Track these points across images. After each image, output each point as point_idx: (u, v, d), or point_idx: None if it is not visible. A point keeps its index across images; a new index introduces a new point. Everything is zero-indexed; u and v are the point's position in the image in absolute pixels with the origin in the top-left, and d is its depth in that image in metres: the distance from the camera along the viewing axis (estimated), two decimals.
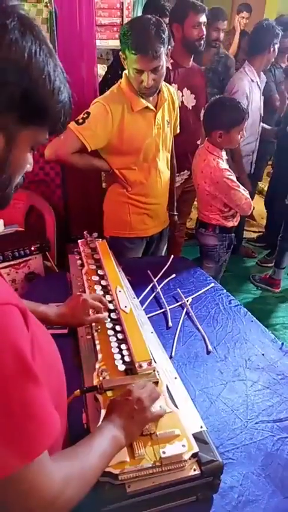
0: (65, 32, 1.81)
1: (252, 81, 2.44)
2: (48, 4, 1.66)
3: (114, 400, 0.75)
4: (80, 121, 1.45)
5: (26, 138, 0.54)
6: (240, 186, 1.75)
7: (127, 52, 1.38)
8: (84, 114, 1.46)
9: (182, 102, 2.06)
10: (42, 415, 0.51)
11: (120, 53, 1.45)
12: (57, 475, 0.53)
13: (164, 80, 1.80)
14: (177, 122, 1.73)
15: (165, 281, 1.50)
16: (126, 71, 1.52)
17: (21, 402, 0.48)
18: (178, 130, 1.77)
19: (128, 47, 1.36)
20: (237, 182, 1.74)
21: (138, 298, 1.32)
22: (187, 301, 1.39)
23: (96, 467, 0.62)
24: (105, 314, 1.02)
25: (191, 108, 2.11)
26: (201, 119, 2.17)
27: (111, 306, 1.07)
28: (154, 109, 1.54)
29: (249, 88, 2.42)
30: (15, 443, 0.48)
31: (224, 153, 1.78)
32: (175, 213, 1.91)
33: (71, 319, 0.97)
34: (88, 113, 1.46)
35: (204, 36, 1.99)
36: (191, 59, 2.12)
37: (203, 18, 1.97)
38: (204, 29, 1.98)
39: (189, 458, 0.72)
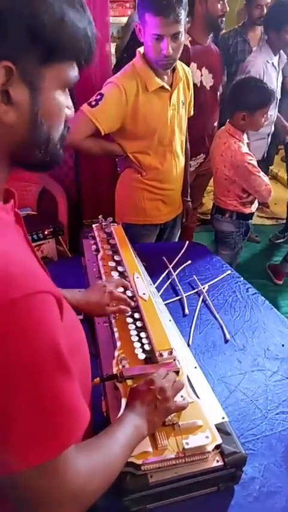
0: None
1: (268, 61, 2.34)
2: None
3: (136, 389, 0.73)
4: (93, 103, 1.40)
5: (52, 79, 0.49)
6: (261, 171, 1.69)
7: (146, 16, 1.30)
8: (97, 96, 1.41)
9: (201, 81, 1.98)
10: (72, 409, 0.50)
11: (136, 23, 1.37)
12: (83, 467, 0.52)
13: (183, 58, 1.73)
14: (191, 103, 1.67)
15: (181, 268, 1.47)
16: (140, 48, 1.45)
17: (54, 394, 0.47)
18: (192, 112, 1.70)
19: (148, 9, 1.29)
20: (258, 168, 1.68)
21: (154, 285, 1.30)
22: (203, 288, 1.36)
23: (119, 458, 0.61)
24: (128, 309, 0.97)
25: (209, 88, 2.03)
26: (218, 99, 2.12)
27: (129, 293, 1.04)
28: (169, 89, 1.48)
29: (263, 68, 2.32)
30: (45, 435, 0.47)
31: (245, 137, 1.72)
32: (189, 199, 1.86)
33: (95, 309, 0.93)
34: (101, 94, 1.40)
35: (226, 12, 1.90)
36: (210, 37, 2.03)
37: None
38: (227, 5, 1.90)
39: (213, 450, 0.71)
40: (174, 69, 1.50)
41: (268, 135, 2.57)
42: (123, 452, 0.62)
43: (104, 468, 0.57)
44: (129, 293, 1.04)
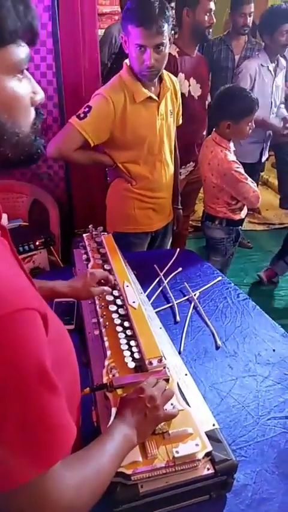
0: (66, 21, 1.76)
1: (262, 65, 2.41)
2: None
3: (126, 398, 0.73)
4: (82, 115, 1.41)
5: None
6: (248, 178, 1.71)
7: (129, 27, 1.33)
8: (85, 108, 1.42)
9: (189, 91, 2.01)
10: (59, 425, 0.50)
11: (122, 35, 1.40)
12: (72, 481, 0.52)
13: (171, 69, 1.76)
14: (179, 112, 1.69)
15: (172, 275, 1.48)
16: (127, 60, 1.48)
17: (39, 412, 0.47)
18: (181, 121, 1.73)
19: (131, 20, 1.32)
20: (245, 174, 1.71)
21: (145, 293, 1.30)
22: (195, 295, 1.37)
23: (109, 468, 0.61)
24: (110, 289, 1.03)
25: (197, 98, 2.06)
26: (207, 108, 2.15)
27: (119, 302, 1.05)
28: (157, 99, 1.50)
29: (257, 71, 2.39)
30: (32, 452, 0.47)
31: (231, 145, 1.74)
32: (179, 207, 1.88)
33: (81, 291, 0.98)
34: (89, 107, 1.42)
35: (213, 24, 1.94)
36: (197, 47, 2.07)
37: (213, 6, 1.93)
38: (213, 16, 1.94)
39: (203, 458, 0.71)
40: (161, 80, 1.52)
41: (263, 140, 2.60)
42: (112, 463, 0.62)
43: (93, 480, 0.57)
44: (119, 301, 1.05)
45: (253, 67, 2.39)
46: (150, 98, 1.47)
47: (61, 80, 1.77)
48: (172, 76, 1.60)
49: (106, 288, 1.02)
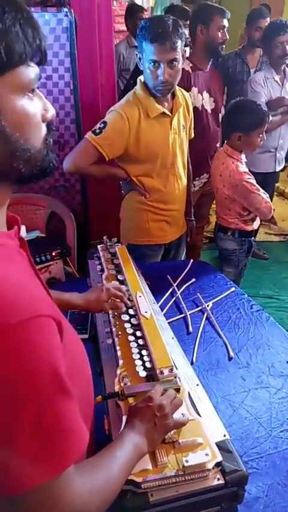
0: (84, 40, 1.84)
1: (267, 77, 2.47)
2: (68, 14, 1.70)
3: (135, 407, 0.74)
4: (97, 131, 1.46)
5: (6, 88, 0.48)
6: (260, 189, 1.72)
7: (144, 44, 1.38)
8: (100, 124, 1.47)
9: (203, 105, 2.05)
10: (72, 430, 0.51)
11: (136, 52, 1.46)
12: (83, 487, 0.53)
13: (185, 83, 1.80)
14: (191, 126, 1.73)
15: (185, 286, 1.49)
16: (141, 77, 1.52)
17: (54, 417, 0.48)
18: (193, 135, 1.76)
19: (146, 37, 1.37)
20: (257, 185, 1.72)
21: (158, 303, 1.32)
22: (207, 306, 1.37)
23: (119, 476, 0.62)
24: (123, 305, 1.06)
25: (210, 111, 2.10)
26: (220, 122, 2.18)
27: (131, 312, 1.07)
28: (170, 114, 1.54)
29: (263, 80, 2.46)
30: (45, 456, 0.48)
31: (243, 156, 1.76)
32: (192, 218, 1.90)
33: (94, 305, 1.03)
34: (105, 122, 1.47)
35: (226, 40, 1.99)
36: (210, 63, 2.11)
37: (226, 23, 1.98)
38: (226, 33, 1.98)
39: (213, 468, 0.71)
40: (174, 95, 1.56)
41: (276, 149, 2.61)
42: (122, 471, 0.63)
43: (103, 487, 0.58)
44: (131, 311, 1.07)
45: (260, 78, 2.46)
46: (163, 113, 1.51)
47: (78, 96, 1.84)
48: (184, 92, 1.64)
49: (119, 304, 1.05)
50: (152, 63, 1.40)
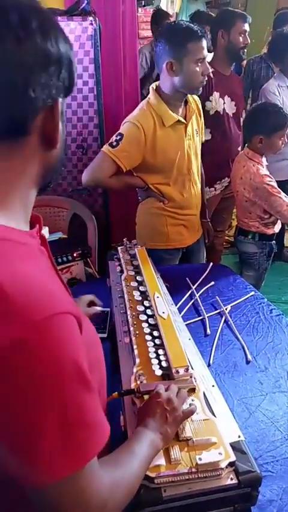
0: (108, 47, 1.89)
1: (281, 86, 2.43)
2: (93, 22, 1.74)
3: (145, 405, 0.76)
4: (114, 144, 1.47)
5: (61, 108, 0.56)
6: (281, 192, 1.71)
7: (190, 45, 1.39)
8: (117, 136, 1.48)
9: (224, 109, 2.05)
10: (95, 422, 0.52)
11: (168, 61, 1.41)
12: (106, 480, 0.54)
13: (206, 88, 1.82)
14: (203, 130, 1.73)
15: (204, 288, 1.50)
16: (153, 85, 1.53)
17: (78, 409, 0.50)
18: (204, 138, 1.77)
19: (191, 37, 1.39)
20: (278, 188, 1.70)
21: (176, 305, 1.33)
22: (226, 309, 1.37)
23: (138, 472, 0.63)
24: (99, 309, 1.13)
25: (232, 115, 2.10)
26: (242, 125, 2.17)
27: (149, 312, 1.08)
28: (185, 121, 1.55)
29: (278, 90, 2.42)
30: (72, 448, 0.49)
31: (264, 159, 1.75)
32: (207, 220, 1.90)
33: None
34: (121, 135, 1.48)
35: (248, 44, 1.99)
36: (231, 67, 2.12)
37: (247, 27, 1.99)
38: (248, 38, 1.98)
39: (226, 467, 0.71)
40: (186, 102, 1.57)
41: None
42: (141, 467, 0.64)
43: (125, 482, 0.59)
44: (149, 312, 1.08)
45: (274, 86, 2.42)
46: (178, 120, 1.51)
47: (101, 102, 1.88)
48: (194, 96, 1.63)
49: (97, 308, 1.12)
50: (200, 62, 1.42)
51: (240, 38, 1.97)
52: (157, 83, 1.56)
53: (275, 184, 1.70)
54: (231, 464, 0.72)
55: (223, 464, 0.71)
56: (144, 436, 0.69)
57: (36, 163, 0.54)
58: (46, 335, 0.47)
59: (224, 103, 2.05)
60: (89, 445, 0.51)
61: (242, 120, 2.14)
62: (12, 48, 0.46)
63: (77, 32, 1.74)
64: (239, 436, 0.79)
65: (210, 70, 2.00)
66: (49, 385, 0.47)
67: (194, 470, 0.70)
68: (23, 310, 0.46)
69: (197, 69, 1.43)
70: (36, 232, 0.61)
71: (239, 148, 2.18)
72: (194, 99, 1.63)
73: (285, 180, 2.61)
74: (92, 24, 1.74)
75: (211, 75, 2.00)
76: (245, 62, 2.97)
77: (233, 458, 0.72)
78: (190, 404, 0.77)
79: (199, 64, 1.43)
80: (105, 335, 1.21)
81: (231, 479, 0.72)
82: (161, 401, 0.72)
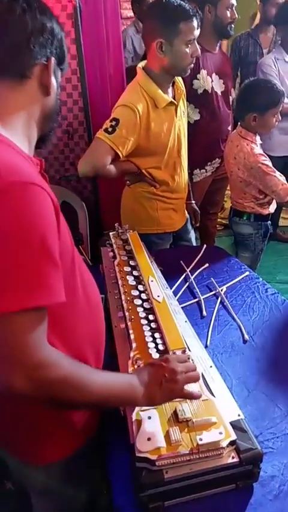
0: (90, 27, 1.81)
1: (278, 58, 2.38)
2: None
3: (151, 362, 0.77)
4: (110, 130, 1.39)
5: (58, 77, 0.73)
6: (276, 171, 1.68)
7: (181, 25, 1.33)
8: (112, 122, 1.40)
9: (212, 87, 2.00)
10: (45, 283, 0.57)
11: (158, 41, 1.35)
12: (47, 352, 0.58)
13: (193, 66, 1.76)
14: (186, 110, 1.68)
15: (199, 271, 1.48)
16: (140, 64, 1.48)
17: (32, 267, 0.56)
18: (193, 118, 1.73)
19: (182, 18, 1.33)
20: (273, 168, 1.68)
21: (171, 289, 1.31)
22: (221, 290, 1.36)
23: (95, 387, 0.64)
24: None
25: (220, 94, 2.05)
26: (231, 104, 2.13)
27: (144, 296, 1.07)
28: (176, 103, 1.50)
29: (274, 62, 2.37)
30: (9, 290, 0.54)
31: (258, 138, 1.71)
32: (192, 201, 1.86)
33: None
34: (116, 120, 1.40)
35: (236, 19, 1.93)
36: (218, 44, 2.06)
37: (234, 1, 1.93)
38: (235, 12, 1.92)
39: (227, 446, 0.71)
40: (174, 82, 1.52)
41: None
42: (101, 388, 0.65)
43: (72, 375, 0.61)
44: (144, 296, 1.07)
45: (270, 61, 2.38)
46: (170, 102, 1.47)
47: (86, 84, 1.82)
48: (179, 77, 1.56)
49: None
50: (189, 42, 1.37)
51: (228, 12, 1.91)
52: (144, 62, 1.50)
53: (270, 163, 1.67)
54: (232, 443, 0.72)
55: (224, 444, 0.70)
56: (128, 377, 0.72)
57: (36, 103, 0.70)
58: (18, 198, 0.55)
59: (212, 81, 2.00)
60: (28, 295, 0.55)
61: (231, 98, 2.10)
62: (19, 16, 0.65)
63: (56, 11, 1.66)
64: (239, 415, 0.79)
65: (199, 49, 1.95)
66: (13, 244, 0.54)
67: (195, 450, 0.69)
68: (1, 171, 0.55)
69: (187, 50, 1.38)
70: (37, 164, 0.68)
71: (229, 128, 2.14)
72: (178, 79, 1.57)
73: (286, 156, 2.58)
74: (70, 1, 1.67)
75: (200, 55, 1.95)
76: (225, 43, 2.90)
77: (233, 437, 0.71)
78: (198, 391, 0.76)
79: (189, 45, 1.37)
80: (102, 296, 1.19)
81: (233, 457, 0.72)
82: (165, 367, 0.72)
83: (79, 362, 0.65)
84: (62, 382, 0.59)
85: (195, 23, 1.36)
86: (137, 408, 0.76)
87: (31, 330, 0.56)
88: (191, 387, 0.74)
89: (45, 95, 0.70)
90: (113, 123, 1.40)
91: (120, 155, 1.43)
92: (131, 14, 3.43)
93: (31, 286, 0.56)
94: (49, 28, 0.67)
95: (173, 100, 1.48)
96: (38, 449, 0.77)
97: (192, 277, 1.44)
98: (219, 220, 2.88)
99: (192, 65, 1.45)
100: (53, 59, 0.69)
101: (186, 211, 1.80)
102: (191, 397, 0.73)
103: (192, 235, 1.87)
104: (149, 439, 0.70)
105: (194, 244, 1.90)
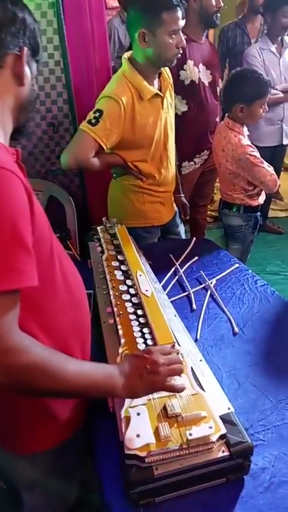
0: (73, 17, 1.77)
1: (263, 48, 2.37)
2: None
3: (134, 354, 0.77)
4: (93, 121, 1.36)
5: (33, 68, 0.73)
6: (264, 162, 1.67)
7: (164, 15, 1.29)
8: (95, 113, 1.37)
9: (199, 78, 1.98)
10: (14, 267, 0.56)
11: (141, 31, 1.32)
12: (17, 337, 0.57)
13: (180, 56, 1.74)
14: (173, 102, 1.65)
15: (188, 264, 1.47)
16: (125, 54, 1.45)
17: (5, 253, 0.56)
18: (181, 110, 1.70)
19: (165, 8, 1.29)
20: (261, 158, 1.67)
21: (161, 283, 1.30)
22: (211, 283, 1.36)
23: (67, 373, 0.62)
24: None
25: (208, 84, 2.03)
26: (218, 95, 2.11)
27: (132, 291, 1.05)
28: (162, 94, 1.47)
29: (259, 52, 2.36)
30: None
31: (245, 129, 1.70)
32: (182, 195, 1.85)
33: None
34: (100, 111, 1.37)
35: (221, 8, 1.90)
36: (205, 33, 2.03)
37: None
38: (221, 1, 1.89)
39: (217, 440, 0.71)
40: (160, 74, 1.49)
41: (282, 120, 2.52)
42: (76, 375, 0.64)
43: (42, 362, 0.59)
44: (132, 291, 1.05)
45: (255, 51, 2.37)
46: (156, 94, 1.44)
47: (70, 75, 1.78)
48: (165, 68, 1.54)
49: None
50: (173, 33, 1.33)
51: (213, 1, 1.87)
52: (129, 53, 1.47)
53: (258, 154, 1.66)
54: (222, 437, 0.71)
55: (214, 438, 0.70)
56: (106, 367, 0.71)
57: (9, 93, 0.69)
58: None
59: (199, 72, 1.97)
60: (4, 277, 0.55)
61: (218, 89, 2.08)
62: None
63: (38, 0, 1.63)
64: (229, 408, 0.78)
65: (183, 37, 1.92)
66: None
67: (184, 446, 0.69)
68: None
69: (171, 41, 1.35)
70: (13, 154, 0.67)
71: (217, 119, 2.12)
72: (165, 70, 1.54)
73: (274, 147, 2.58)
74: None
75: (185, 45, 1.92)
76: (212, 32, 2.86)
77: (223, 430, 0.71)
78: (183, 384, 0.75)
79: (173, 36, 1.34)
80: (90, 291, 1.17)
81: (223, 451, 0.71)
82: (147, 359, 0.71)
83: (55, 350, 0.64)
84: (32, 368, 0.58)
85: (179, 13, 1.32)
86: (125, 405, 0.74)
87: (1, 315, 0.56)
88: (179, 381, 0.73)
89: (19, 85, 0.70)
90: (97, 114, 1.37)
91: (105, 147, 1.40)
92: (116, 4, 3.38)
93: (1, 270, 0.55)
94: (21, 18, 0.67)
95: (158, 92, 1.46)
96: (20, 438, 0.77)
97: (181, 271, 1.43)
98: (209, 212, 2.87)
99: (179, 55, 1.43)
100: (26, 49, 0.69)
101: (174, 205, 1.79)
102: (173, 389, 0.72)
103: (181, 228, 1.86)
104: (138, 435, 0.69)
105: (184, 237, 1.89)
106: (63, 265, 0.75)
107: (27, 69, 0.70)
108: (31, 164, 1.91)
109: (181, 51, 1.41)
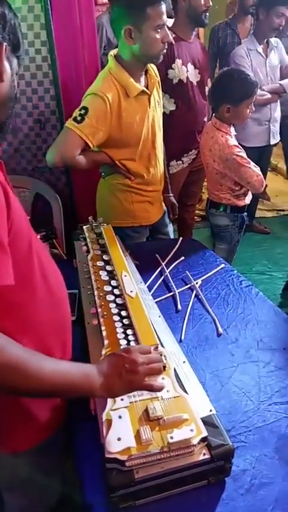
0: (62, 12, 1.74)
1: (250, 49, 2.37)
2: None
3: (113, 353, 0.76)
4: (79, 118, 1.35)
5: (14, 64, 0.70)
6: (251, 162, 1.68)
7: (148, 10, 1.28)
8: (81, 110, 1.36)
9: (188, 77, 1.97)
10: None
11: (127, 27, 1.31)
12: None
13: (167, 55, 1.73)
14: (161, 100, 1.64)
15: (174, 264, 1.47)
16: (112, 52, 1.43)
17: None
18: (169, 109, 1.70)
19: (150, 3, 1.28)
20: (248, 159, 1.67)
21: (146, 283, 1.30)
22: (196, 283, 1.36)
23: (43, 373, 0.62)
24: None
25: (196, 84, 2.03)
26: (207, 95, 2.11)
27: (116, 292, 1.05)
28: (148, 92, 1.47)
29: (246, 53, 2.36)
30: None
31: (232, 129, 1.71)
32: (170, 194, 1.85)
33: None
34: (85, 108, 1.36)
35: (210, 7, 1.90)
36: (194, 33, 2.02)
37: None
38: (210, 0, 1.89)
39: (199, 443, 0.70)
40: (147, 71, 1.48)
41: (269, 120, 2.54)
42: (53, 374, 0.63)
43: (16, 361, 0.59)
44: (117, 291, 1.05)
45: (242, 51, 2.37)
46: (142, 91, 1.43)
47: (57, 72, 1.76)
48: (153, 65, 1.53)
49: None
50: (159, 28, 1.32)
51: (202, 0, 1.87)
52: (115, 50, 1.46)
53: (245, 155, 1.67)
54: (203, 439, 0.71)
55: (195, 441, 0.70)
56: (84, 367, 0.70)
57: None
58: None
59: (188, 71, 1.97)
60: None
61: (206, 88, 2.08)
62: None
63: None
64: (211, 410, 0.78)
65: (172, 36, 1.91)
66: None
67: (165, 449, 0.68)
68: None
69: (157, 36, 1.34)
70: None
71: (205, 119, 2.12)
72: (152, 68, 1.53)
73: (262, 147, 2.59)
74: None
75: (172, 41, 1.91)
76: (202, 32, 2.86)
77: (204, 433, 0.71)
78: (163, 379, 0.76)
79: (159, 31, 1.33)
80: (73, 318, 1.17)
81: (204, 454, 0.71)
82: (126, 358, 0.70)
83: (31, 350, 0.63)
84: (6, 367, 0.58)
85: (163, 7, 1.32)
86: (107, 408, 0.74)
87: None
88: (159, 380, 0.74)
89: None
90: (82, 111, 1.36)
91: (91, 145, 1.39)
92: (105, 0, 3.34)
93: None
94: (0, 13, 0.66)
95: (145, 89, 1.45)
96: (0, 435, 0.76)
97: (167, 271, 1.43)
98: (197, 211, 2.88)
99: (165, 51, 1.41)
100: (5, 44, 0.67)
101: (163, 204, 1.78)
102: (151, 389, 0.71)
103: (170, 228, 1.86)
104: (119, 439, 0.68)
105: (172, 237, 1.89)
106: (43, 263, 0.74)
107: (7, 65, 0.68)
108: (17, 161, 1.88)
109: (166, 47, 1.40)
